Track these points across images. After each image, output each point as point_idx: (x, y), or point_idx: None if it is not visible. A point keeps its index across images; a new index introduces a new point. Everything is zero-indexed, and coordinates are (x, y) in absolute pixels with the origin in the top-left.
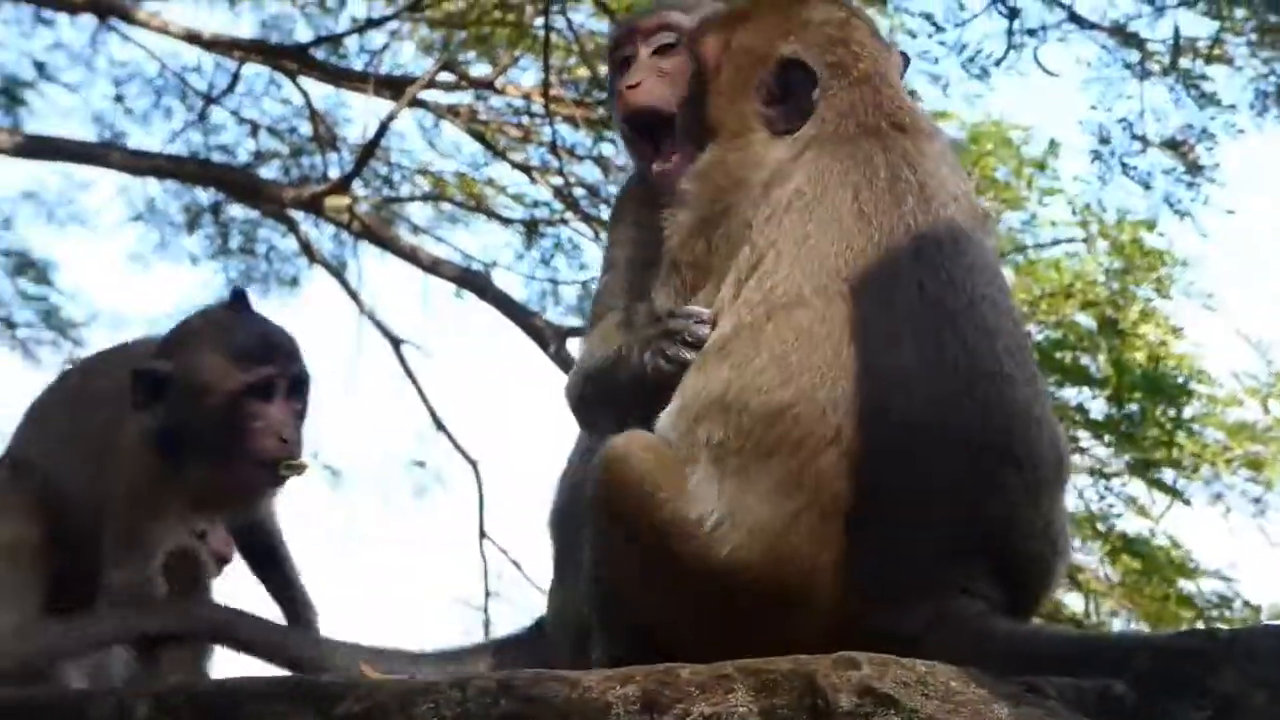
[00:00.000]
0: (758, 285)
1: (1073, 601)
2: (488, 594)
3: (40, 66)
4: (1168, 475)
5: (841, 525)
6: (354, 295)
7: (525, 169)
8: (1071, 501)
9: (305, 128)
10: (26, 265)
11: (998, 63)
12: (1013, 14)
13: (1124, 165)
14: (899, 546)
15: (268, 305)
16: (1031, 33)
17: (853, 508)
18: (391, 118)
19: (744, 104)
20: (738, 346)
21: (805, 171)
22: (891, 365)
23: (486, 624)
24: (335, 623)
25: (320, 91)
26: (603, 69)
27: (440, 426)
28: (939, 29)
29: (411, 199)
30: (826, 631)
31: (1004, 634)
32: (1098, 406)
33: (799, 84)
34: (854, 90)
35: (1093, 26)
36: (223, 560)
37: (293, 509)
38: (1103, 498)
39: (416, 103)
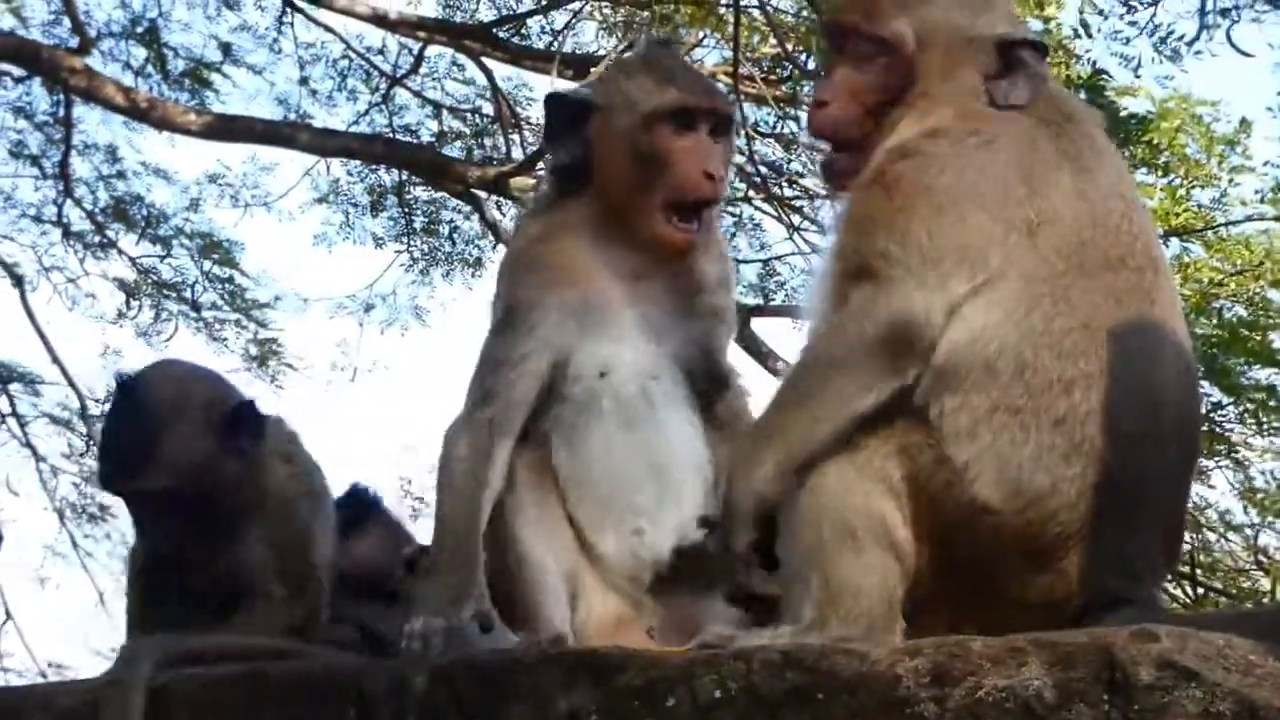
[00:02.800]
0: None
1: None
2: None
3: (226, 49)
4: None
5: (1103, 499)
6: None
7: None
8: (1260, 482)
9: (488, 108)
10: (212, 247)
11: (1190, 43)
12: None
13: None
14: (1141, 527)
15: (451, 287)
16: (1224, 13)
17: (1116, 485)
18: None
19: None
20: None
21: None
22: (1153, 355)
23: None
24: None
25: (503, 72)
26: (789, 46)
27: None
28: (1130, 8)
29: None
30: (1067, 597)
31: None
32: None
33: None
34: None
35: None
36: None
37: None
38: None
39: None
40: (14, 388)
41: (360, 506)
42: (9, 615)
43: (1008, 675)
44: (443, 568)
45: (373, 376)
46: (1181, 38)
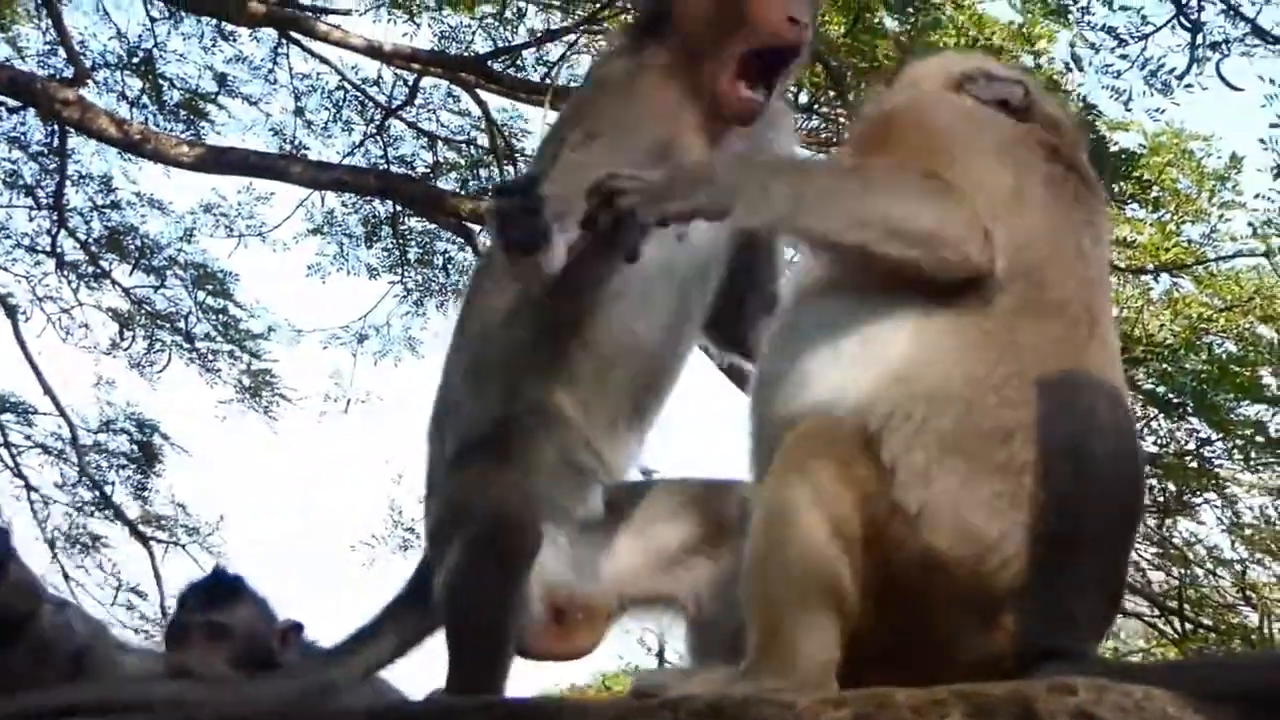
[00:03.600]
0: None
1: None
2: None
3: (222, 79)
4: None
5: (1044, 552)
6: None
7: None
8: (1250, 518)
9: (483, 139)
10: (206, 278)
11: (1180, 77)
12: (1196, 28)
13: None
14: (1078, 585)
15: (444, 319)
16: (1214, 46)
17: (1056, 538)
18: None
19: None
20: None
21: None
22: (1093, 406)
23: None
24: None
25: (498, 103)
26: None
27: None
28: (1122, 42)
29: None
30: (1003, 655)
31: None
32: (1277, 422)
33: None
34: None
35: (1276, 41)
36: None
37: None
38: None
39: None
40: (6, 418)
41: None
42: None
43: None
44: None
45: (366, 407)
46: (1172, 71)
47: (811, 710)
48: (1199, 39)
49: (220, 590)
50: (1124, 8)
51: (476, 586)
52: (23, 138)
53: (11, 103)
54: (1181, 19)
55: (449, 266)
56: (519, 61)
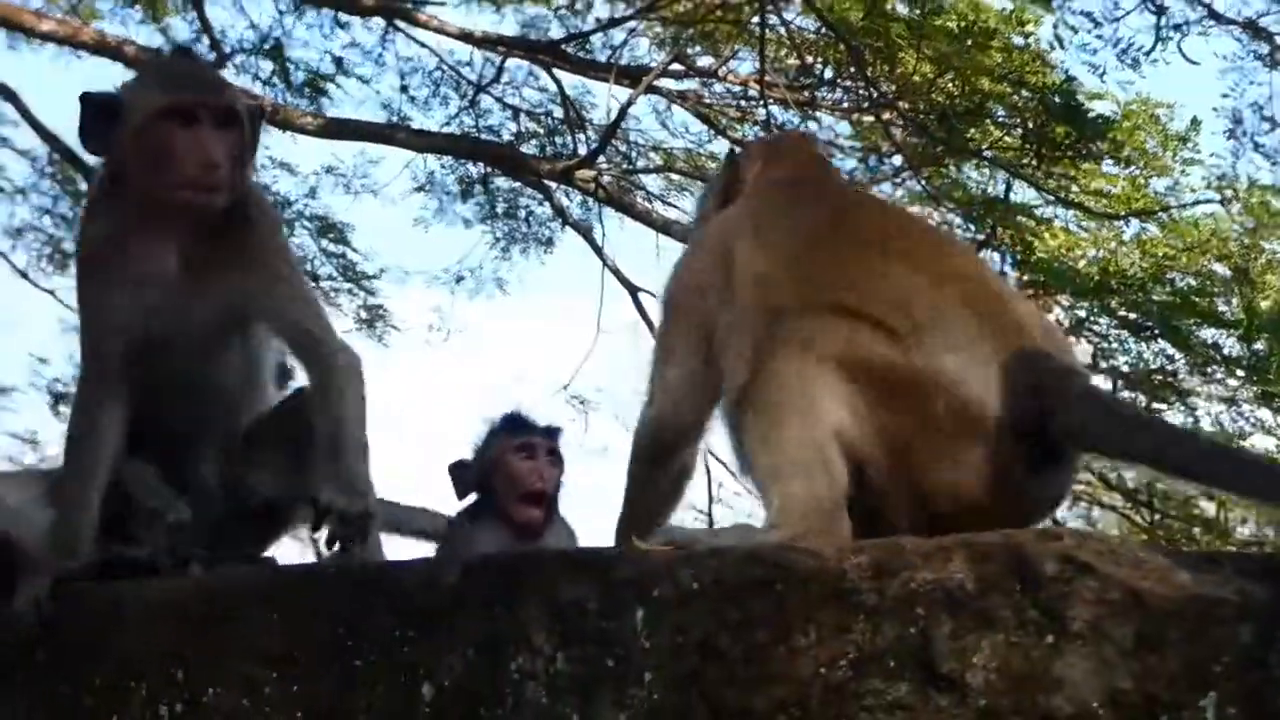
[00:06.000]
0: None
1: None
2: (710, 500)
3: (338, 62)
4: None
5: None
6: (599, 252)
7: (743, 144)
8: (1208, 425)
9: (558, 112)
10: (328, 228)
11: (1147, 54)
12: (1160, 11)
13: (1255, 143)
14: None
15: (527, 262)
16: (1177, 27)
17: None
18: (630, 103)
19: None
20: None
21: None
22: None
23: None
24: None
25: (570, 81)
26: (809, 59)
27: None
28: (1097, 24)
29: (646, 171)
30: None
31: None
32: (1231, 344)
33: None
34: None
35: (1229, 22)
36: None
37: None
38: (1234, 422)
39: (651, 89)
40: None
41: None
42: None
43: (936, 569)
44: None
45: (462, 337)
46: (1140, 49)
47: (835, 557)
48: (1163, 20)
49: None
50: None
51: None
52: None
53: None
54: (1148, 4)
55: (530, 218)
56: (588, 45)
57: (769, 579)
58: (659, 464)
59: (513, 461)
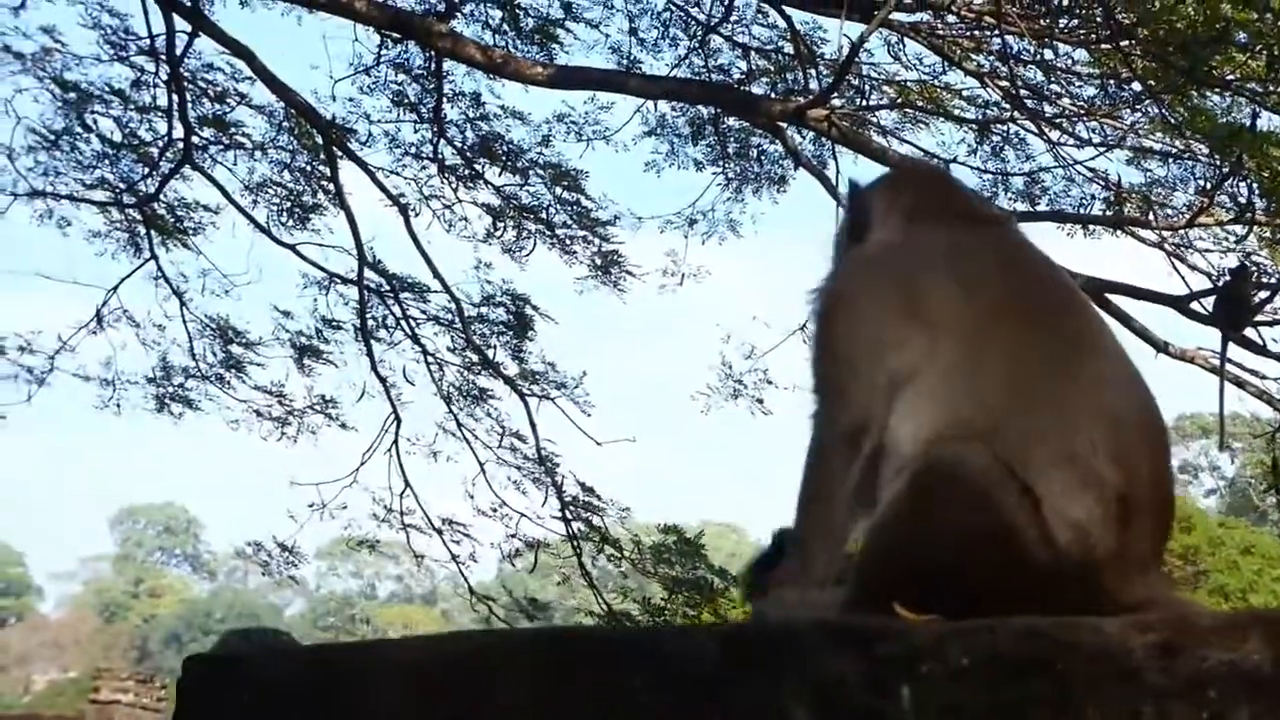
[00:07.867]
0: None
1: None
2: None
3: (568, 7)
4: None
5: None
6: (833, 192)
7: (977, 75)
8: None
9: (788, 49)
10: (561, 175)
11: None
12: None
13: None
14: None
15: (759, 202)
16: None
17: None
18: (863, 39)
19: None
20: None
21: None
22: None
23: None
24: None
25: (800, 17)
26: None
27: None
28: None
29: (880, 106)
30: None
31: None
32: None
33: None
34: None
35: None
36: None
37: None
38: None
39: (884, 24)
40: (405, 296)
41: None
42: (408, 484)
43: (1230, 649)
44: None
45: (696, 279)
46: None
47: (1120, 634)
48: None
49: None
50: None
51: None
52: (406, 64)
53: (395, 35)
54: None
55: (762, 158)
56: None
57: (1048, 657)
58: None
59: None
